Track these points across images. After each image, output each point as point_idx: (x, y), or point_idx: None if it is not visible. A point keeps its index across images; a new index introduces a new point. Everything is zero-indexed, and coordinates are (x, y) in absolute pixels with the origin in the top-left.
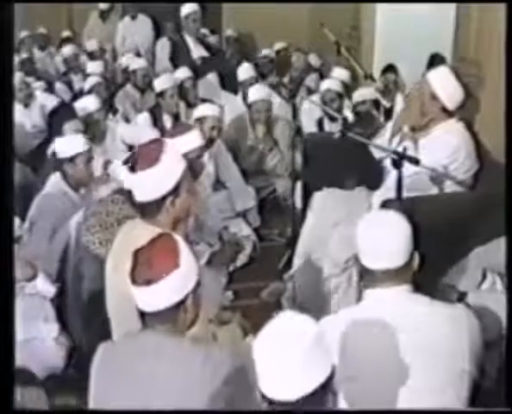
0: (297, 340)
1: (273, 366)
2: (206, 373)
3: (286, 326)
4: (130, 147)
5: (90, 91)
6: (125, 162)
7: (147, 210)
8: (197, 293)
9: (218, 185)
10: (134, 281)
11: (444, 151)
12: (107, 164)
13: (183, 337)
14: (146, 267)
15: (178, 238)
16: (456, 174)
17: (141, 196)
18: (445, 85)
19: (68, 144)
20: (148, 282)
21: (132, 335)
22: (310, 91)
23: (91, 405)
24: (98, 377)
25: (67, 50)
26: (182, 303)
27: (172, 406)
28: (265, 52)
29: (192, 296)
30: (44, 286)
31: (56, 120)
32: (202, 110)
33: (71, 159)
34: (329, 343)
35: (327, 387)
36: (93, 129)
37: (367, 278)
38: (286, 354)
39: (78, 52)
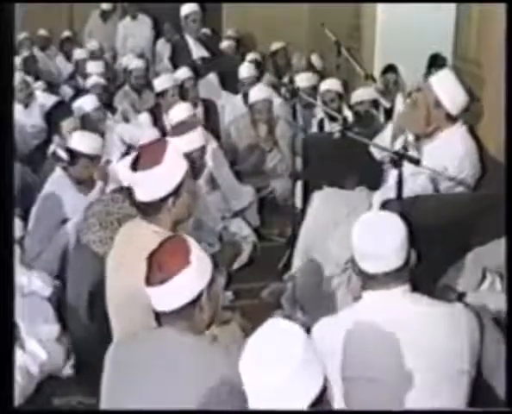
0: (286, 355)
1: (262, 384)
2: (228, 366)
3: (273, 338)
4: (128, 147)
5: (89, 91)
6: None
7: (148, 210)
8: (213, 291)
9: (215, 183)
10: (149, 283)
11: (451, 161)
12: (106, 163)
13: (200, 335)
14: (158, 268)
15: (188, 237)
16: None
17: (143, 195)
18: (449, 92)
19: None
20: (161, 282)
21: (148, 331)
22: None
23: (103, 403)
24: (112, 373)
25: (79, 53)
26: (196, 300)
27: (193, 398)
28: (251, 55)
29: (207, 293)
30: (40, 285)
31: (54, 118)
32: (178, 115)
33: (74, 160)
34: (319, 353)
35: (320, 401)
36: (91, 129)
37: (366, 280)
38: (275, 371)
39: (88, 56)
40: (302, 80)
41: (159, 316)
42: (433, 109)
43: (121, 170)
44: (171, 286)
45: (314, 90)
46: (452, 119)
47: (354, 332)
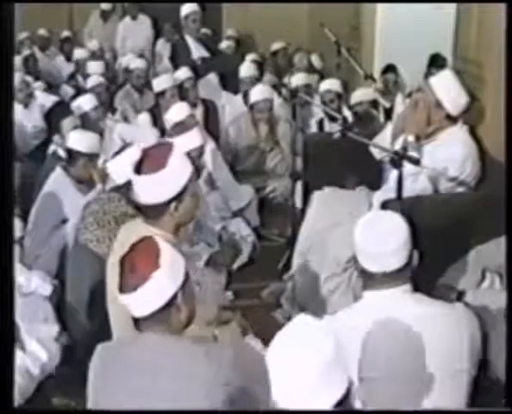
0: (316, 354)
1: (289, 381)
2: (211, 365)
3: (302, 335)
4: (123, 146)
5: (90, 91)
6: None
7: (151, 213)
8: (188, 290)
9: (214, 183)
10: (122, 290)
11: (452, 162)
12: (105, 163)
13: (182, 336)
14: (129, 274)
15: (159, 239)
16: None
17: (146, 198)
18: (449, 93)
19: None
20: (134, 288)
21: (131, 336)
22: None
23: (90, 406)
24: (97, 378)
25: (79, 53)
26: (172, 302)
27: (177, 400)
28: (252, 55)
29: (182, 293)
30: (40, 285)
31: (53, 118)
32: (176, 115)
33: (73, 159)
34: (345, 355)
35: (343, 403)
36: (90, 128)
37: (366, 280)
38: (303, 369)
39: (89, 56)
40: (298, 79)
41: (137, 322)
42: (433, 109)
43: (113, 169)
44: (143, 292)
45: (309, 88)
46: (452, 120)
47: (354, 332)
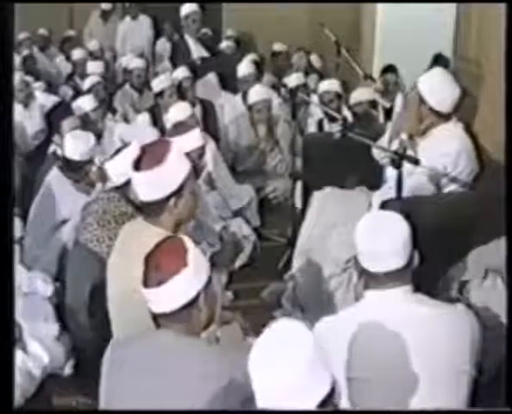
0: (295, 355)
1: (271, 385)
2: (224, 366)
3: (283, 339)
4: (122, 146)
5: (89, 91)
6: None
7: (150, 211)
8: (210, 291)
9: (213, 183)
10: (146, 285)
11: (445, 157)
12: (104, 162)
13: (198, 337)
14: (155, 270)
15: (185, 238)
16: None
17: (145, 195)
18: (433, 89)
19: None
20: (159, 283)
21: (147, 332)
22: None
23: (102, 403)
24: (109, 372)
25: (77, 53)
26: (194, 302)
27: (188, 400)
28: (251, 56)
29: (204, 294)
30: (41, 285)
31: (54, 118)
32: (177, 115)
33: (69, 165)
34: (326, 356)
35: (327, 402)
36: (90, 129)
37: (368, 280)
38: (284, 372)
39: (87, 56)
40: (294, 80)
41: (156, 318)
42: (420, 105)
43: (112, 169)
44: (168, 288)
45: (306, 88)
46: (444, 116)
47: (356, 332)
